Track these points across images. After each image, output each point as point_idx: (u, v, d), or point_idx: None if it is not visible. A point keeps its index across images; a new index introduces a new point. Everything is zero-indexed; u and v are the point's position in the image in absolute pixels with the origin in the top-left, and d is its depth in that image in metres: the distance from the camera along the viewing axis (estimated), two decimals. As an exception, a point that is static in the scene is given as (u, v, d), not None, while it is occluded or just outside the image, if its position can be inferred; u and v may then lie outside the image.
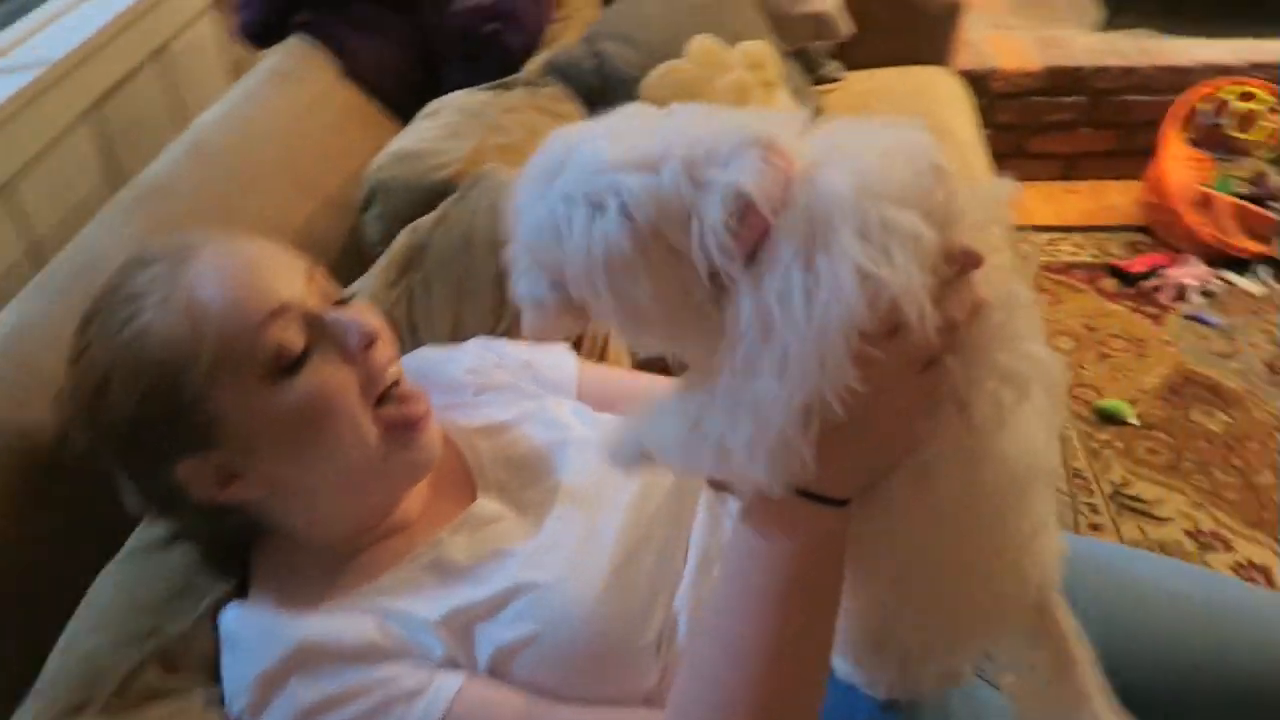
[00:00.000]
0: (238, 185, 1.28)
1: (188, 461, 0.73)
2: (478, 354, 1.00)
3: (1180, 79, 2.52)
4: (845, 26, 2.00)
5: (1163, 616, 0.87)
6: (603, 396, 1.00)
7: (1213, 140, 2.40)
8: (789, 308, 0.50)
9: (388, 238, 1.21)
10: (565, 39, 1.77)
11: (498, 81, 1.54)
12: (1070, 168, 2.73)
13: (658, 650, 0.77)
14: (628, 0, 1.63)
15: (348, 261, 1.28)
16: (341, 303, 0.79)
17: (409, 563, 0.79)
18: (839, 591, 0.61)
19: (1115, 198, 2.62)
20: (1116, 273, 2.36)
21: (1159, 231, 2.45)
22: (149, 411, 0.71)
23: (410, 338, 1.09)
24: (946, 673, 0.74)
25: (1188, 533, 1.73)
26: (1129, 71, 2.56)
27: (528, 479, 0.87)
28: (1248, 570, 1.66)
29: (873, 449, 0.57)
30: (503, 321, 1.10)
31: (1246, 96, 2.38)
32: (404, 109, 1.53)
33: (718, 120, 0.55)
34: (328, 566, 0.79)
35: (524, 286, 0.58)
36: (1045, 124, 2.65)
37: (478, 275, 1.11)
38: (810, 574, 0.60)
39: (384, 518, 0.82)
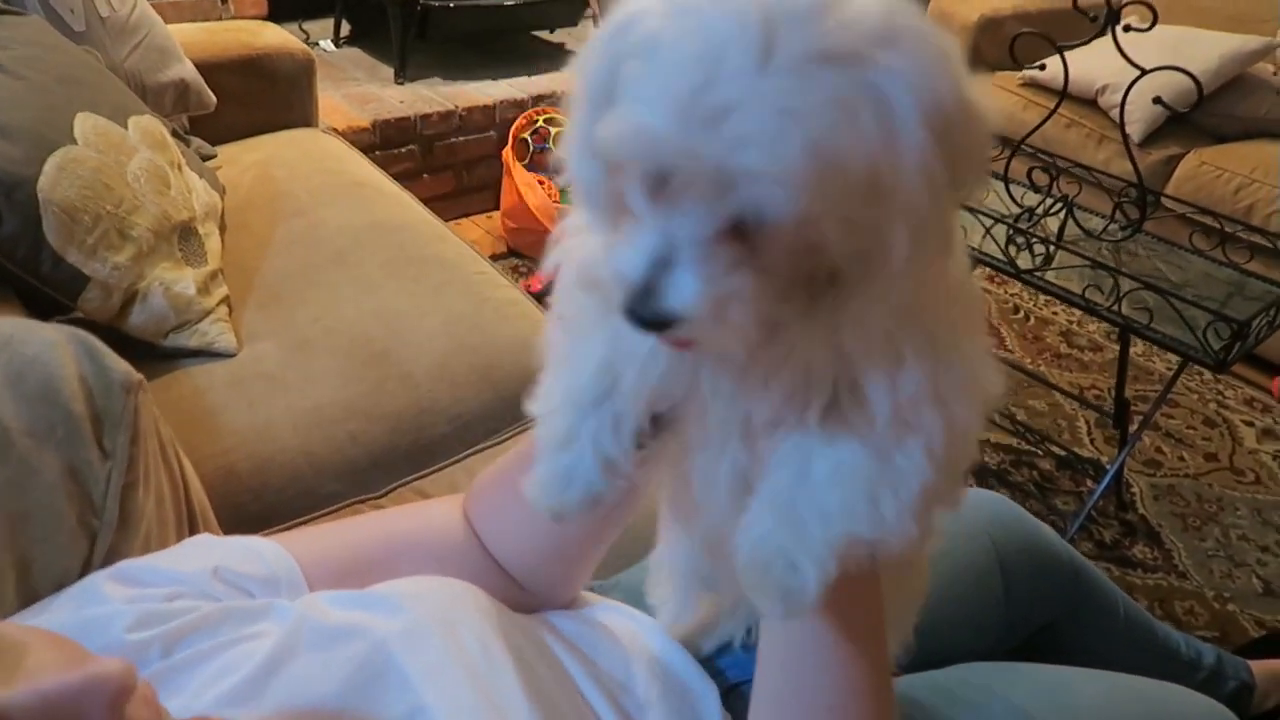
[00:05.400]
0: None
1: None
2: (127, 596, 0.62)
3: (487, 117, 2.76)
4: (209, 97, 1.73)
5: None
6: (341, 567, 0.71)
7: (543, 163, 2.67)
8: None
9: None
10: None
11: None
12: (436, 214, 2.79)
13: None
14: (-27, 76, 1.15)
15: None
16: None
17: None
18: None
19: (477, 233, 2.75)
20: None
21: (528, 251, 2.65)
22: None
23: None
24: None
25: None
26: (447, 116, 2.70)
27: None
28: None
29: None
30: (99, 544, 0.70)
31: (551, 122, 2.70)
32: None
33: None
34: None
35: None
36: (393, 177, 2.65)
37: (29, 484, 0.69)
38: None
39: None
